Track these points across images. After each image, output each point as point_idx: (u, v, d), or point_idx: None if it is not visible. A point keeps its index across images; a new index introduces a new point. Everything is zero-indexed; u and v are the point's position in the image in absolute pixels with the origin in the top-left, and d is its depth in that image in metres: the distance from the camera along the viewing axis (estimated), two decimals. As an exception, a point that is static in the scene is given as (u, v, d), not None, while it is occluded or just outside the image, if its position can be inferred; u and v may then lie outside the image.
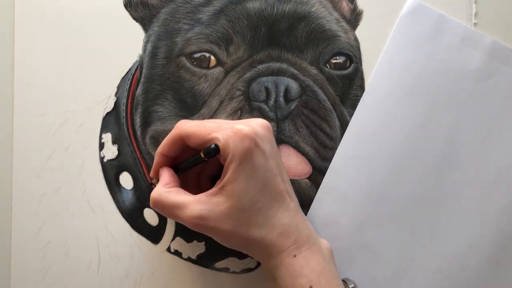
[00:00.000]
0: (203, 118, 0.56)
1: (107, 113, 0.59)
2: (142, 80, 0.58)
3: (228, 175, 0.47)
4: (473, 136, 0.58)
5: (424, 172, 0.58)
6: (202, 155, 0.48)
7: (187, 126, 0.50)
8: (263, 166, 0.47)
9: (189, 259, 0.58)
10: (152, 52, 0.58)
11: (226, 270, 0.58)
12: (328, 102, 0.57)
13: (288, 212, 0.48)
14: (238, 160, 0.46)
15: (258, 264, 0.58)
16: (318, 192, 0.57)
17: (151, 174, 0.54)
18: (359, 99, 0.59)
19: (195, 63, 0.57)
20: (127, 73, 0.59)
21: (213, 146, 0.47)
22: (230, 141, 0.46)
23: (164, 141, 0.52)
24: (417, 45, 0.58)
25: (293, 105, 0.56)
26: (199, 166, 0.53)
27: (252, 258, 0.58)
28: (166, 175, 0.51)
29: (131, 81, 0.59)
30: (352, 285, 0.52)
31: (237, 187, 0.46)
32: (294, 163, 0.56)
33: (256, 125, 0.48)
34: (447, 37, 0.58)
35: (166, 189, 0.50)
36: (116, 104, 0.59)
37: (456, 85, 0.58)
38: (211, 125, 0.49)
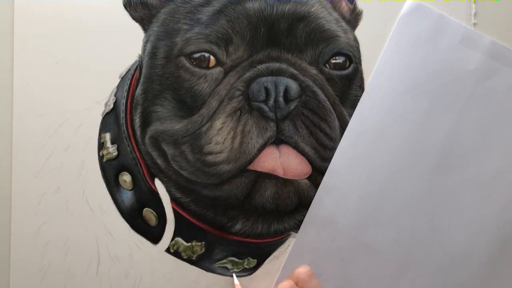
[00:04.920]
0: (203, 118, 0.56)
1: (107, 113, 0.59)
2: (141, 80, 0.58)
3: None
4: (472, 136, 0.58)
5: (424, 172, 0.58)
6: None
7: None
8: None
9: (188, 260, 0.58)
10: (151, 52, 0.58)
11: (225, 270, 0.58)
12: (328, 102, 0.57)
13: None
14: None
15: (258, 264, 0.58)
16: (317, 192, 0.57)
17: None
18: (358, 99, 0.59)
19: (194, 63, 0.57)
20: (126, 73, 0.59)
21: None
22: None
23: None
24: (417, 45, 0.58)
25: (292, 105, 0.56)
26: None
27: (252, 258, 0.58)
28: None
29: (131, 81, 0.59)
30: None
31: None
32: (294, 163, 0.56)
33: None
34: (447, 37, 0.59)
35: None
36: (116, 104, 0.59)
37: (455, 85, 0.58)
38: None
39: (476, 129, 0.58)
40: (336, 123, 0.57)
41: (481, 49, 0.59)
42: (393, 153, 0.58)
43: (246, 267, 0.58)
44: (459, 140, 0.58)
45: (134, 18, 0.59)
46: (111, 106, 0.59)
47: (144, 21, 0.59)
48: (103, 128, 0.59)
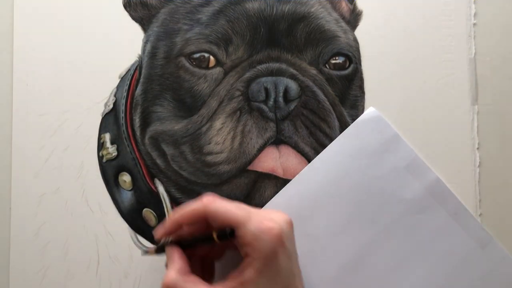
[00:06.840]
0: (203, 119, 0.56)
1: (106, 113, 0.59)
2: (141, 80, 0.58)
3: (250, 273, 0.45)
4: (383, 264, 0.55)
5: None
6: (215, 236, 0.46)
7: (215, 206, 0.47)
8: (286, 268, 0.46)
9: (188, 260, 0.58)
10: (151, 52, 0.58)
11: (225, 270, 0.58)
12: (328, 103, 0.57)
13: None
14: (263, 260, 0.45)
15: (258, 264, 0.58)
16: None
17: (160, 232, 0.50)
18: (358, 99, 0.59)
19: (194, 63, 0.57)
20: (126, 73, 0.59)
21: (229, 230, 0.45)
22: (257, 237, 0.45)
23: (185, 211, 0.48)
24: (360, 155, 0.56)
25: (292, 106, 0.56)
26: (205, 248, 0.51)
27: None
28: (177, 258, 0.48)
29: (130, 81, 0.59)
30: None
31: None
32: (293, 163, 0.56)
33: (282, 222, 0.47)
34: (394, 158, 0.56)
35: (181, 277, 0.46)
36: (115, 104, 0.59)
37: (383, 207, 0.55)
38: (240, 213, 0.46)
39: (389, 257, 0.55)
40: (336, 123, 0.57)
41: (423, 182, 0.56)
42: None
43: (246, 267, 0.58)
44: (370, 262, 0.54)
45: (133, 18, 0.59)
46: (111, 106, 0.59)
47: (143, 21, 0.59)
48: (102, 128, 0.59)
